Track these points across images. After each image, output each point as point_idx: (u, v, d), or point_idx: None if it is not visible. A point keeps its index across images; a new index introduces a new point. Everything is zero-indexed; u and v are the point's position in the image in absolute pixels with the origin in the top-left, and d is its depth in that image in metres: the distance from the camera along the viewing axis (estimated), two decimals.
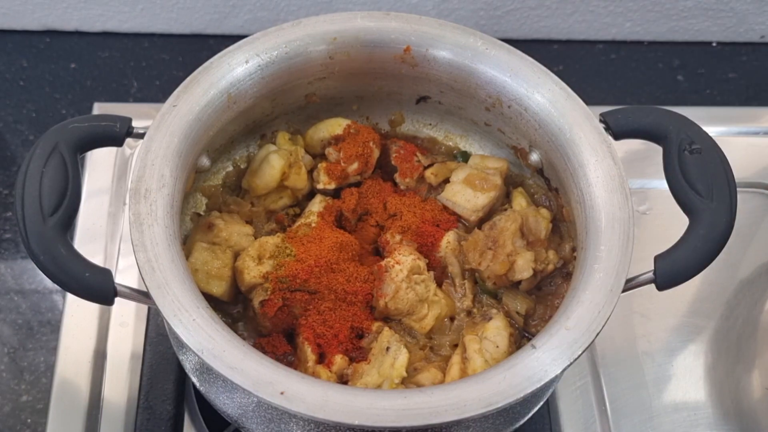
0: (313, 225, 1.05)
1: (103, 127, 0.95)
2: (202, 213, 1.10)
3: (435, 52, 1.07)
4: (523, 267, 1.01)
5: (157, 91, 1.57)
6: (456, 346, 1.01)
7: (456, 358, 0.97)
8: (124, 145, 0.98)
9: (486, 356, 0.96)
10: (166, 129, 0.96)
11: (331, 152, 1.12)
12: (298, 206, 1.12)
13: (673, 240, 0.93)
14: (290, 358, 1.00)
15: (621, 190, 0.96)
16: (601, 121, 1.01)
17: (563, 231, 1.07)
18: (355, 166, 1.11)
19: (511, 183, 1.13)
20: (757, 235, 1.39)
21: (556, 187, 1.07)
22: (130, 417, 1.15)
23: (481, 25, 1.63)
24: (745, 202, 1.26)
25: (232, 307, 1.04)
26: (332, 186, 1.11)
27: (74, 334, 1.21)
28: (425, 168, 1.14)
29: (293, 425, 0.93)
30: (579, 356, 0.85)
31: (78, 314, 1.22)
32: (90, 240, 1.29)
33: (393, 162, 1.14)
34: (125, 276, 1.25)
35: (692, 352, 1.26)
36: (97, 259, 1.17)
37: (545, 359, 0.85)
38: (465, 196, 1.09)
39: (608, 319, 0.87)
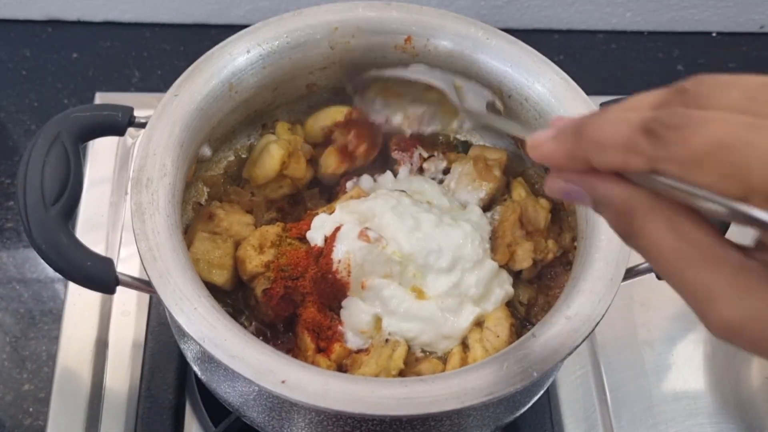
0: None
1: (104, 117, 0.96)
2: (203, 202, 1.10)
3: (436, 42, 1.07)
4: (523, 257, 1.01)
5: (159, 80, 1.57)
6: None
7: (457, 348, 0.97)
8: (126, 134, 0.98)
9: (486, 345, 0.96)
10: (167, 118, 0.96)
11: (338, 135, 1.11)
12: (298, 195, 1.12)
13: None
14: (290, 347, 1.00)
15: None
16: None
17: (563, 221, 1.07)
18: (363, 147, 1.10)
19: (511, 173, 1.13)
20: None
21: None
22: (131, 406, 1.15)
23: (482, 15, 1.62)
24: None
25: (233, 296, 1.04)
26: (342, 170, 1.10)
27: (76, 323, 1.21)
28: (425, 160, 1.14)
29: (294, 414, 0.93)
30: (579, 345, 0.85)
31: (80, 303, 1.23)
32: (91, 229, 1.29)
33: (392, 155, 1.14)
34: (127, 265, 1.26)
35: (692, 341, 1.27)
36: (98, 249, 1.17)
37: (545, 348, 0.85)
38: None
39: (608, 308, 0.87)
